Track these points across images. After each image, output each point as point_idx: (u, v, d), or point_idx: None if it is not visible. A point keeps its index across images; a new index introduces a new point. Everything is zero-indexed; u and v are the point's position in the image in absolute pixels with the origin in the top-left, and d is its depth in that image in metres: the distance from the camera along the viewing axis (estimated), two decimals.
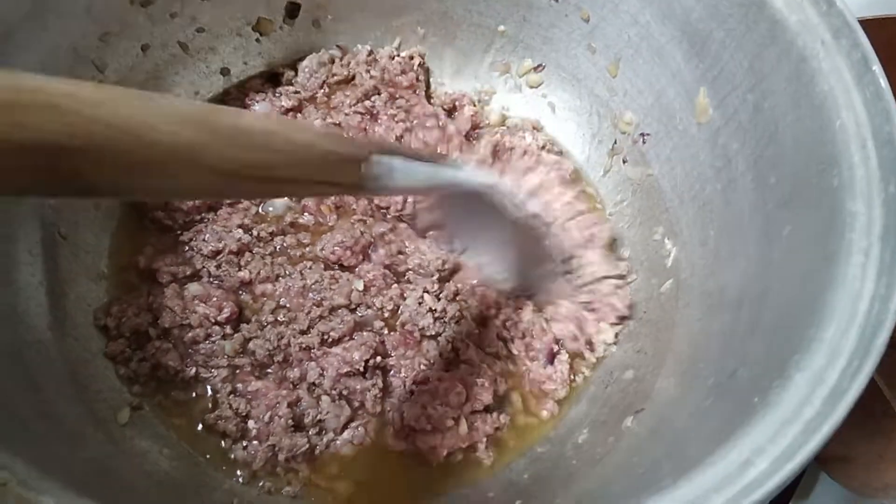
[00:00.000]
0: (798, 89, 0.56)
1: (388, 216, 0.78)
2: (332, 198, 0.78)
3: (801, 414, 0.41)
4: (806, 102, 0.55)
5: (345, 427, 0.66)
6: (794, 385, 0.42)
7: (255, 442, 0.63)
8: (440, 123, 0.83)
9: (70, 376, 0.61)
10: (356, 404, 0.66)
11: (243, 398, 0.65)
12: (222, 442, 0.64)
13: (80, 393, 0.60)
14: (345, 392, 0.66)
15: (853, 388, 0.40)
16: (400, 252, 0.75)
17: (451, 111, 0.86)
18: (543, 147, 0.83)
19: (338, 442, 0.65)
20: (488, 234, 0.72)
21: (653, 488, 0.40)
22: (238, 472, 0.63)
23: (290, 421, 0.64)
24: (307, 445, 0.64)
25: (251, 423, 0.64)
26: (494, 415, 0.68)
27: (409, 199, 0.77)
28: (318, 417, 0.65)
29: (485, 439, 0.66)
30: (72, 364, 0.62)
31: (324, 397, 0.65)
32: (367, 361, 0.66)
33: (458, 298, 0.73)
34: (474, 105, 0.87)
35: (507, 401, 0.71)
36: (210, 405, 0.66)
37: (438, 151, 0.79)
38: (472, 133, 0.85)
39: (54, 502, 0.38)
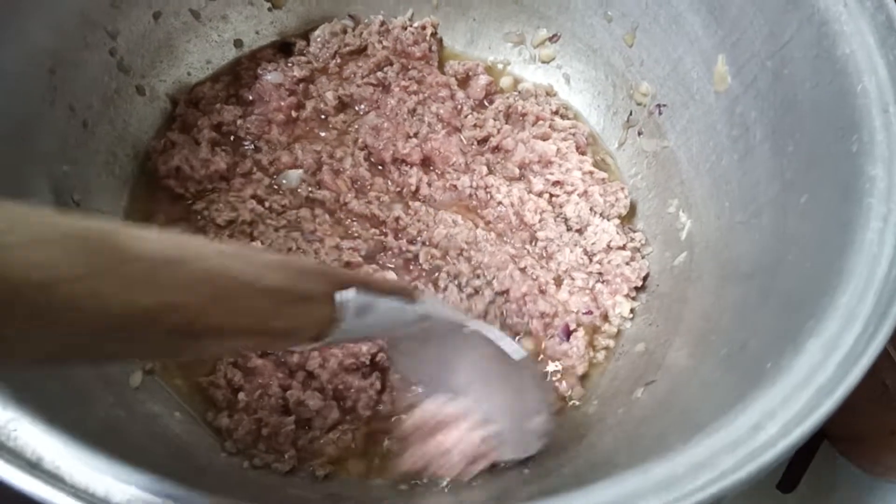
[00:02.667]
0: (819, 54, 0.54)
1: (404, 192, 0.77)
2: (348, 172, 0.77)
3: (813, 379, 0.40)
4: (827, 67, 0.53)
5: (331, 429, 0.63)
6: (807, 351, 0.42)
7: (242, 414, 0.62)
8: (452, 94, 0.82)
9: None
10: (348, 404, 0.64)
11: (240, 371, 0.64)
12: (210, 410, 0.63)
13: None
14: (340, 387, 0.63)
15: (868, 353, 0.40)
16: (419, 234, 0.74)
17: (464, 81, 0.85)
18: (557, 112, 0.82)
19: (322, 441, 0.63)
20: (467, 377, 0.59)
21: (660, 454, 0.40)
22: (226, 442, 0.61)
23: (280, 400, 0.62)
24: (292, 427, 0.62)
25: (241, 396, 0.63)
26: None
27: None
28: (304, 415, 0.62)
29: None
30: None
31: (315, 394, 0.63)
32: (373, 356, 0.64)
33: (475, 273, 0.72)
34: (489, 73, 0.85)
35: None
36: (209, 370, 0.65)
37: (405, 282, 0.70)
38: (486, 101, 0.84)
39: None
